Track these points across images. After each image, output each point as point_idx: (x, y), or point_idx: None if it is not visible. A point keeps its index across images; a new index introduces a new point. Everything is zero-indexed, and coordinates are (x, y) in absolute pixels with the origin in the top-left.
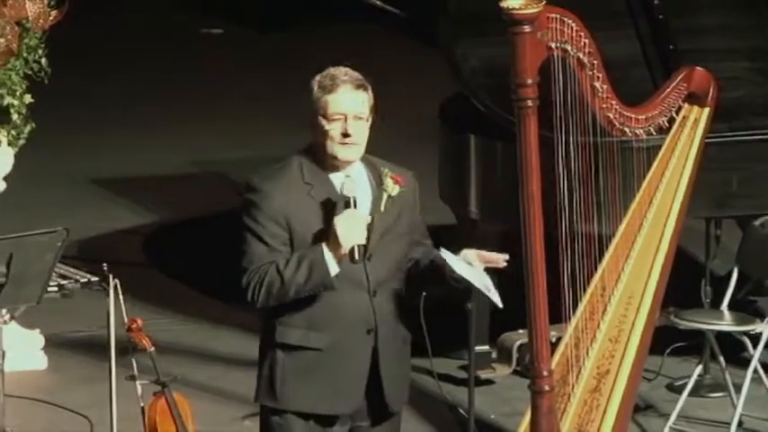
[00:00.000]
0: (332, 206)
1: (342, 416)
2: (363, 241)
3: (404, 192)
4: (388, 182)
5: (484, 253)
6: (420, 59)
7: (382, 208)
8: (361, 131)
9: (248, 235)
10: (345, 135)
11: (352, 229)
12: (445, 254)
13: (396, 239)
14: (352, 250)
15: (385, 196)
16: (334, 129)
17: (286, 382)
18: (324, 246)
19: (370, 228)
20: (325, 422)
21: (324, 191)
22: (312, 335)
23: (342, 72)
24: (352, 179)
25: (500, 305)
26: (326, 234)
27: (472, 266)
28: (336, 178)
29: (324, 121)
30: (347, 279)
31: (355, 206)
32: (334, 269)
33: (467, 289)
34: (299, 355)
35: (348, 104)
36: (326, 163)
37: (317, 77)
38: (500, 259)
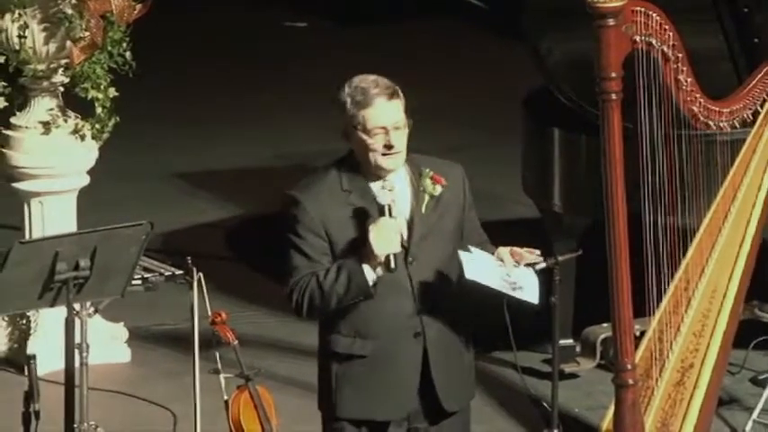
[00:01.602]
0: (366, 214)
1: (394, 420)
2: (398, 249)
3: (447, 190)
4: (427, 182)
5: (517, 250)
6: (503, 53)
7: (423, 209)
8: (402, 140)
9: (289, 248)
10: (389, 147)
11: (384, 237)
12: (462, 255)
13: (440, 240)
14: (387, 258)
15: (426, 197)
16: (376, 142)
17: (339, 390)
18: (360, 255)
19: (410, 231)
20: (377, 428)
21: (362, 198)
22: (358, 342)
23: (372, 84)
24: (391, 183)
25: (534, 302)
26: (364, 242)
27: (501, 265)
28: (376, 185)
29: (364, 135)
30: (390, 285)
31: (391, 213)
32: (371, 277)
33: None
34: (348, 364)
35: (386, 117)
36: (368, 171)
37: (347, 90)
38: (534, 255)
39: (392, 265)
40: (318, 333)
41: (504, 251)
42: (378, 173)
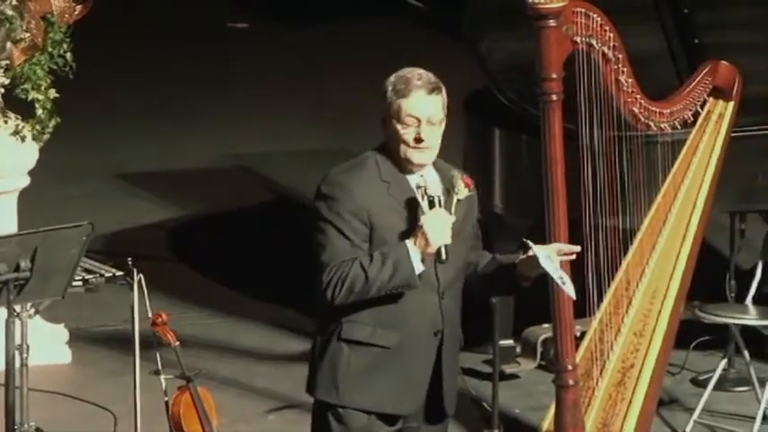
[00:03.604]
0: (415, 205)
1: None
2: (449, 241)
3: (470, 195)
4: (460, 185)
5: (561, 246)
6: (445, 54)
7: (452, 211)
8: (434, 136)
9: (329, 229)
10: (418, 140)
11: (440, 228)
12: (535, 248)
13: (462, 242)
14: (438, 250)
15: (455, 199)
16: (407, 133)
17: (350, 378)
18: (409, 244)
19: None
20: (385, 420)
21: (401, 190)
22: (380, 332)
23: (416, 75)
24: (425, 180)
25: (574, 297)
26: (409, 233)
27: (550, 260)
28: (412, 179)
29: (398, 125)
30: (420, 280)
31: (440, 205)
32: (419, 268)
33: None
34: (366, 352)
35: (421, 109)
36: (401, 164)
37: (392, 78)
38: (575, 250)
39: (443, 256)
40: (323, 320)
41: (554, 247)
42: (408, 165)
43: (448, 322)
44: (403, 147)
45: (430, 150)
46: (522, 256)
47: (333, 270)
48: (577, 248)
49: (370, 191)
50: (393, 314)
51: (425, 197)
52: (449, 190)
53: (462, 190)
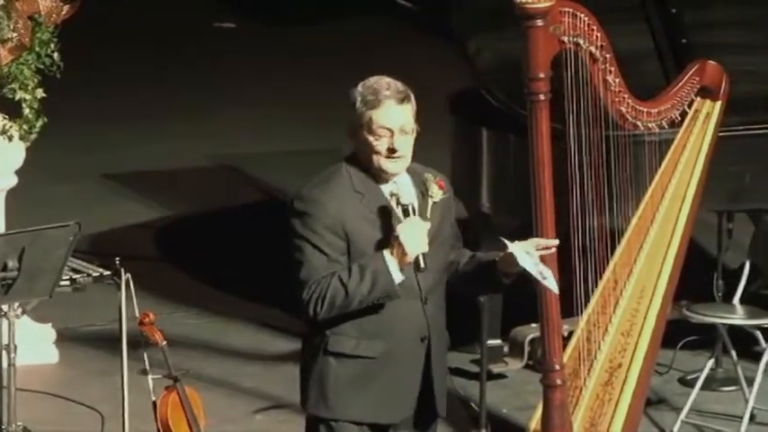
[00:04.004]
0: (388, 214)
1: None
2: (426, 249)
3: (445, 196)
4: (434, 188)
5: (539, 240)
6: (434, 53)
7: (428, 215)
8: (407, 145)
9: (305, 245)
10: (392, 150)
11: (416, 236)
12: (511, 246)
13: (440, 245)
14: (416, 259)
15: (430, 203)
16: (380, 144)
17: (340, 391)
18: (386, 254)
19: None
20: (376, 430)
21: (375, 199)
22: (364, 343)
23: (384, 85)
24: (398, 187)
25: (556, 291)
26: (385, 243)
27: (529, 256)
28: (385, 188)
29: (369, 137)
30: (401, 288)
31: (414, 213)
32: (398, 278)
33: (511, 285)
34: (352, 364)
35: (394, 120)
36: (373, 173)
37: (360, 89)
38: (553, 244)
39: (422, 264)
40: (310, 332)
41: (532, 242)
42: (381, 175)
43: (434, 327)
44: (376, 157)
45: (403, 159)
46: (502, 254)
47: (312, 287)
48: (556, 242)
49: (344, 203)
50: (377, 324)
51: (399, 206)
52: (423, 193)
53: (437, 193)
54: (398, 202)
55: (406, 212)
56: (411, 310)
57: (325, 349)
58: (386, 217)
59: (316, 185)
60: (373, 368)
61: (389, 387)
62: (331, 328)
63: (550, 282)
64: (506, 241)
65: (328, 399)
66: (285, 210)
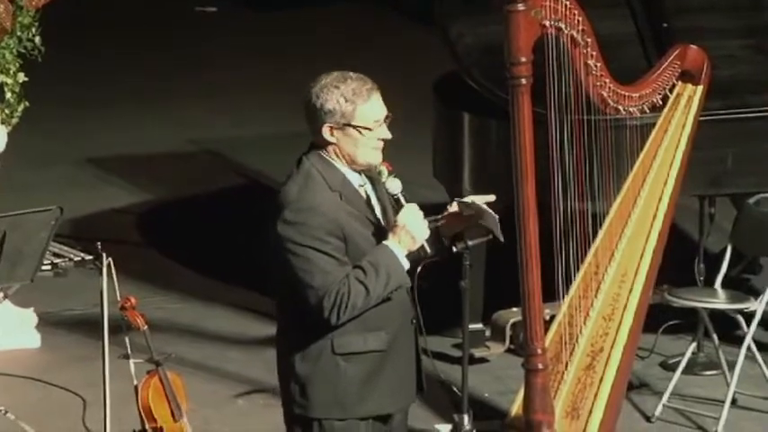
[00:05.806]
0: (370, 208)
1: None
2: (428, 233)
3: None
4: (384, 170)
5: (477, 197)
6: (416, 38)
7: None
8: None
9: (311, 253)
10: (384, 139)
11: (419, 223)
12: (460, 200)
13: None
14: (422, 245)
15: (385, 187)
16: (373, 136)
17: (351, 390)
18: (391, 245)
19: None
20: (384, 418)
21: (352, 194)
22: (371, 338)
23: (357, 79)
24: (364, 178)
25: (501, 239)
26: (377, 234)
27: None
28: (354, 181)
29: (361, 131)
30: None
31: (407, 201)
32: (407, 267)
33: (452, 255)
34: (363, 361)
35: (382, 111)
36: (343, 168)
37: (336, 89)
38: (489, 199)
39: (428, 250)
40: (301, 338)
41: (471, 197)
42: (361, 168)
43: (414, 306)
44: (362, 151)
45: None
46: (442, 220)
47: (333, 293)
48: (492, 197)
49: (331, 203)
50: (377, 316)
51: (392, 197)
52: (372, 179)
53: (386, 173)
54: (377, 195)
55: (398, 202)
56: (400, 295)
57: (333, 351)
58: (368, 210)
59: (299, 191)
60: (380, 360)
61: (395, 375)
62: (332, 331)
63: (498, 229)
64: (460, 200)
65: (342, 400)
66: (266, 194)
